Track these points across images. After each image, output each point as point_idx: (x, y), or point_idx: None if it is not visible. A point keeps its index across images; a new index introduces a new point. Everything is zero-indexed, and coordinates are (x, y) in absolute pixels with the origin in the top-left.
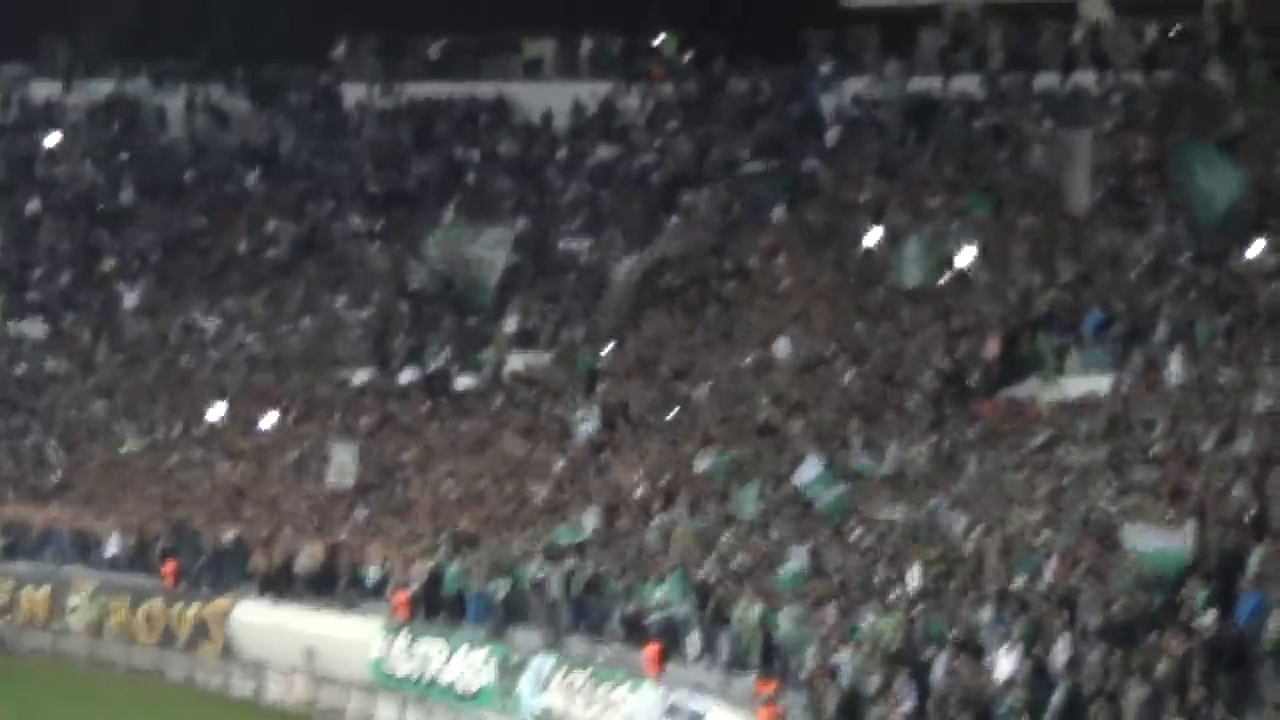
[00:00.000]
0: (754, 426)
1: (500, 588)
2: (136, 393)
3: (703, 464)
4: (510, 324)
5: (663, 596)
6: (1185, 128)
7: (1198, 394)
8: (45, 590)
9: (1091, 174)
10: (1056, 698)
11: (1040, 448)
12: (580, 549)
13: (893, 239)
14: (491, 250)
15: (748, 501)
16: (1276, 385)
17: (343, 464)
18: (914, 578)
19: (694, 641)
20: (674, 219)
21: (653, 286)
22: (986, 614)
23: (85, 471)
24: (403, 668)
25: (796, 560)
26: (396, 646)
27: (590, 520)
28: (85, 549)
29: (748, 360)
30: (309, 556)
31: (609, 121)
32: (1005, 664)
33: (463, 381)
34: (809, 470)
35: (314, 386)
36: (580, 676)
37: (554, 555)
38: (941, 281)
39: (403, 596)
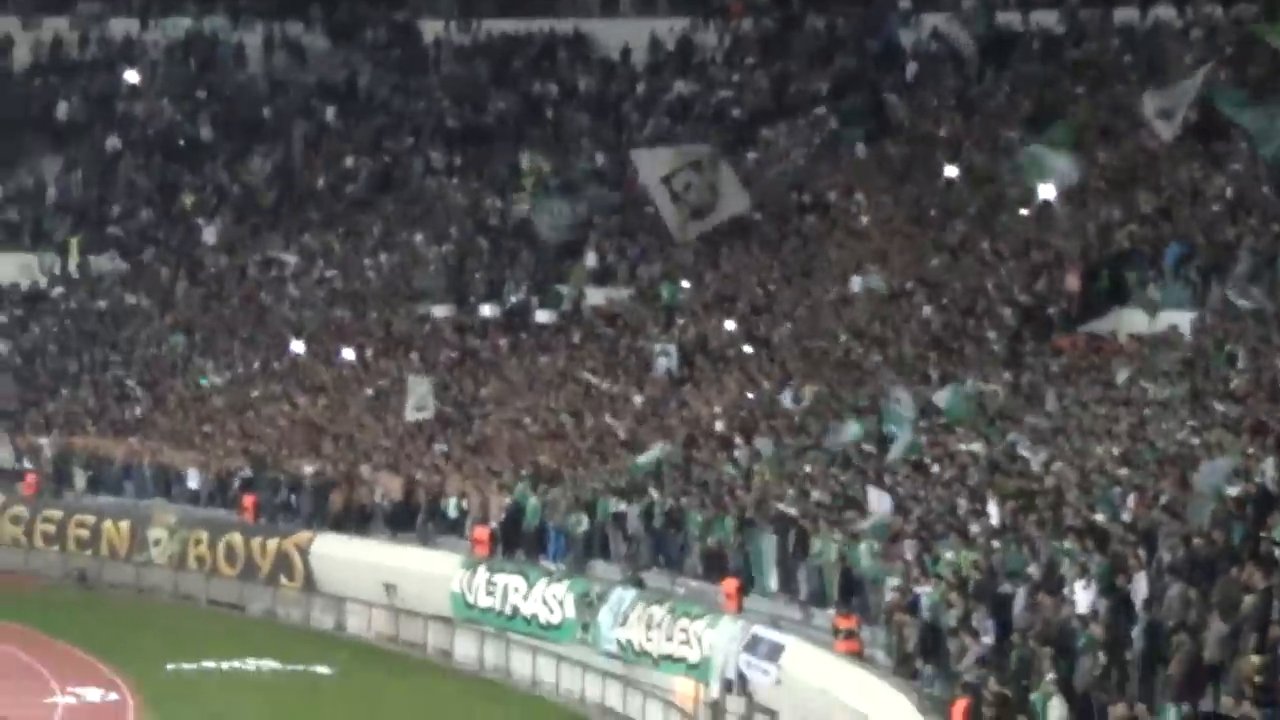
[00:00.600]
0: (833, 361)
1: (579, 522)
2: (216, 328)
3: (782, 398)
4: (589, 259)
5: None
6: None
7: (1278, 327)
8: (126, 524)
9: (1176, 108)
10: (1136, 632)
11: (1120, 382)
12: (659, 483)
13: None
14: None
15: (843, 435)
16: None
17: (420, 397)
18: (994, 512)
19: (772, 575)
20: (751, 154)
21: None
22: (1066, 548)
23: (165, 406)
24: (482, 602)
25: (880, 504)
26: (476, 581)
27: (665, 450)
28: (166, 483)
29: (827, 295)
30: (388, 491)
31: (687, 57)
32: (1084, 598)
33: (541, 316)
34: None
35: (393, 322)
36: (659, 611)
37: (633, 489)
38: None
39: (482, 531)
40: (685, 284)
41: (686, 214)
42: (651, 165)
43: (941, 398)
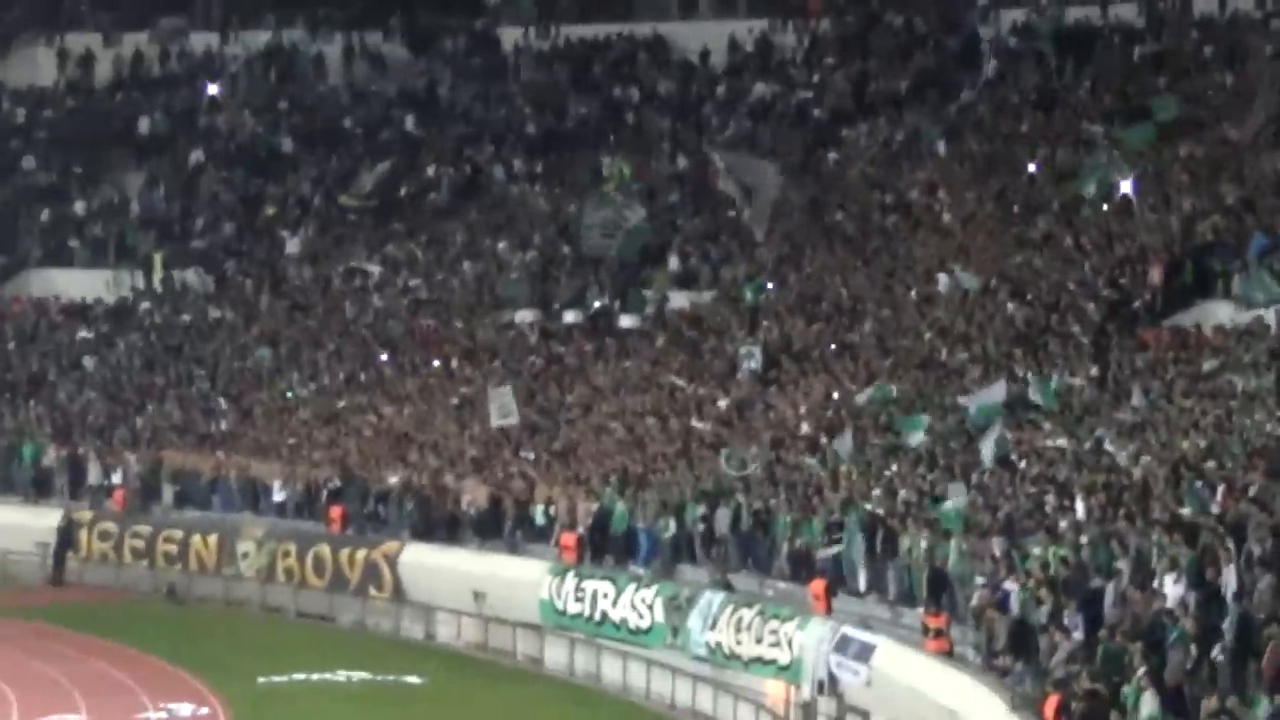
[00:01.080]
0: (918, 360)
1: (667, 526)
2: (301, 340)
3: (867, 398)
4: (671, 263)
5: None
6: None
7: None
8: (214, 538)
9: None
10: (1227, 625)
11: (1206, 375)
12: (746, 485)
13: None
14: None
15: (915, 432)
16: None
17: (503, 404)
18: (1081, 507)
19: (861, 575)
20: (833, 154)
21: (816, 221)
22: (1155, 542)
23: (252, 419)
24: (571, 608)
25: (957, 495)
26: (565, 587)
27: (754, 454)
28: (253, 496)
29: (910, 294)
30: (475, 499)
31: (766, 58)
32: (1174, 592)
33: (626, 321)
34: (992, 394)
35: (477, 330)
36: (749, 613)
37: (720, 492)
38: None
39: (570, 537)
40: (769, 285)
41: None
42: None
43: (1033, 391)
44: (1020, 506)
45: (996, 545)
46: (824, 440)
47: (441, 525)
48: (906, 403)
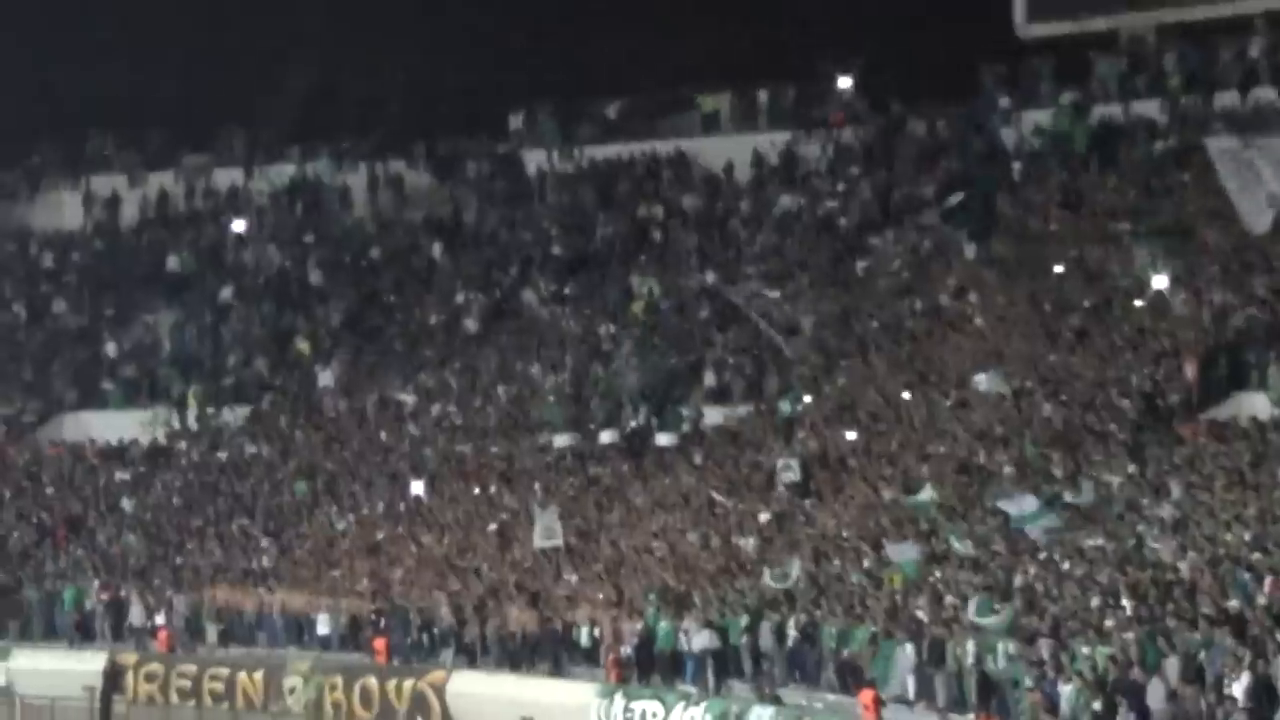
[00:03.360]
0: (956, 464)
1: (713, 642)
2: (338, 472)
3: (907, 504)
4: (706, 378)
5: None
6: None
7: None
8: (261, 674)
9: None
10: None
11: (1245, 467)
12: (790, 598)
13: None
14: None
15: (957, 539)
16: None
17: (547, 526)
18: (1127, 605)
19: (909, 683)
20: (861, 262)
21: (848, 330)
22: (1203, 637)
23: (292, 554)
24: None
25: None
26: (613, 709)
27: (797, 567)
28: (298, 630)
29: (945, 399)
30: (519, 623)
31: (790, 170)
32: (1226, 686)
33: (662, 439)
34: (1022, 504)
35: (514, 454)
36: None
37: (765, 606)
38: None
39: (616, 657)
40: (805, 398)
41: None
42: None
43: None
44: (1066, 608)
45: (1044, 647)
46: (866, 548)
47: (487, 651)
48: (947, 508)
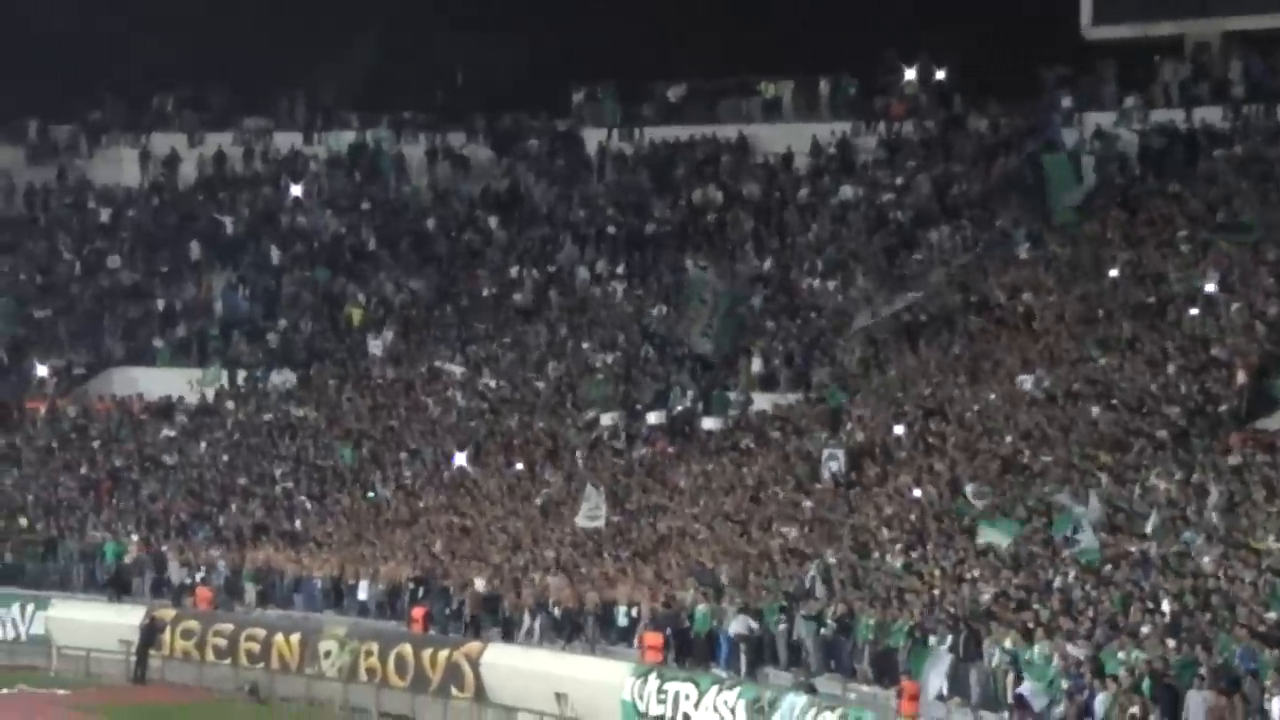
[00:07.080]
0: (1002, 462)
1: (750, 628)
2: (384, 440)
3: (952, 500)
4: (755, 364)
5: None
6: None
7: None
8: (297, 637)
9: None
10: None
11: None
12: (829, 588)
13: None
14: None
15: (1001, 537)
16: None
17: (593, 505)
18: (1166, 611)
19: (944, 680)
20: (916, 256)
21: (899, 323)
22: (1241, 647)
23: (334, 518)
24: (653, 710)
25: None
26: (647, 689)
27: (836, 556)
28: (336, 595)
29: (995, 396)
30: (558, 599)
31: (849, 160)
32: (1265, 701)
33: (708, 423)
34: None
35: (559, 430)
36: (831, 717)
37: (802, 595)
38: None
39: (653, 638)
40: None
41: None
42: None
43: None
44: (1103, 612)
45: (1081, 651)
46: (908, 542)
47: (523, 626)
48: (990, 506)
